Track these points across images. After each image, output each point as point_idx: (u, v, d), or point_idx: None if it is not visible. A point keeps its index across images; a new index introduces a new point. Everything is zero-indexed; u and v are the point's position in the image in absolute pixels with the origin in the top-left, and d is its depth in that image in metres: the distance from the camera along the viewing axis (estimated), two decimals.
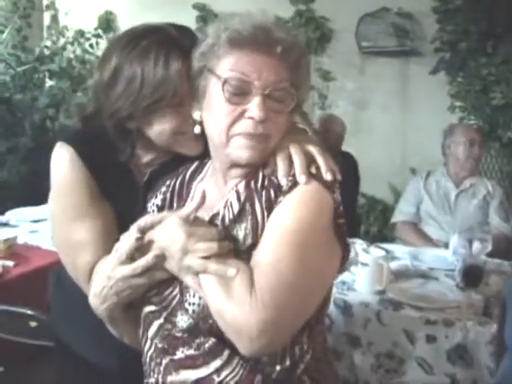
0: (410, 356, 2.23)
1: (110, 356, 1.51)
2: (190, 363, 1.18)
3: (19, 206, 3.73)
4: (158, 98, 1.33)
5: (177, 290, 1.21)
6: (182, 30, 1.40)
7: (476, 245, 2.56)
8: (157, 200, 1.38)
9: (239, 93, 1.17)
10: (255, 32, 1.16)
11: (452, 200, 3.61)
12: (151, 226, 1.19)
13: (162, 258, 1.17)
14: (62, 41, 6.01)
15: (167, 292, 1.22)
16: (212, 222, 1.22)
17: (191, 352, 1.18)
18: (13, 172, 5.09)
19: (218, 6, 5.47)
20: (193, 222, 1.16)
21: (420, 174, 3.91)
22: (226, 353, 1.15)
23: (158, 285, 1.23)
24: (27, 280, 2.65)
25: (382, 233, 5.08)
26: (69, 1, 6.16)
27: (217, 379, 1.16)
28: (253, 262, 1.12)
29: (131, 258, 1.20)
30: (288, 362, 1.17)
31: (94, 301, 1.30)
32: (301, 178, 1.16)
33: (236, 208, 1.20)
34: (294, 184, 1.16)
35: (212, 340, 1.16)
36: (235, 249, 1.16)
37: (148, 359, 1.27)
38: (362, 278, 2.46)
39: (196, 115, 1.27)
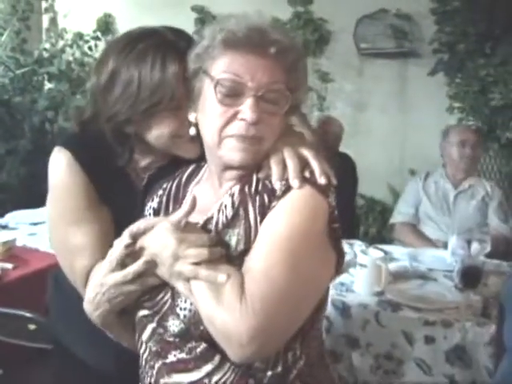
0: (408, 357, 2.23)
1: (108, 358, 1.51)
2: (181, 367, 1.18)
3: (18, 209, 3.73)
4: (155, 102, 1.33)
5: (168, 295, 1.20)
6: (179, 32, 1.40)
7: (475, 246, 2.56)
8: (153, 203, 1.38)
9: (232, 94, 1.16)
10: (250, 33, 1.15)
11: (450, 201, 3.61)
12: (143, 232, 1.19)
13: (152, 263, 1.16)
14: (60, 43, 6.02)
15: (159, 297, 1.22)
16: (206, 226, 1.21)
17: (183, 356, 1.18)
18: (12, 174, 5.09)
19: (216, 8, 5.47)
20: (184, 227, 1.16)
21: (419, 175, 3.91)
22: (218, 358, 1.14)
23: (150, 290, 1.22)
24: (26, 282, 2.65)
25: (381, 234, 5.08)
26: (68, 3, 6.16)
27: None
28: (244, 268, 1.11)
29: (122, 264, 1.20)
30: (280, 368, 1.17)
31: (87, 307, 1.30)
32: (294, 182, 1.14)
33: (230, 213, 1.19)
34: (288, 188, 1.15)
35: (203, 345, 1.15)
36: (228, 254, 1.15)
37: (143, 362, 1.28)
38: (360, 279, 2.46)
39: (191, 117, 1.27)
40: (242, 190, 1.20)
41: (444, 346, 2.18)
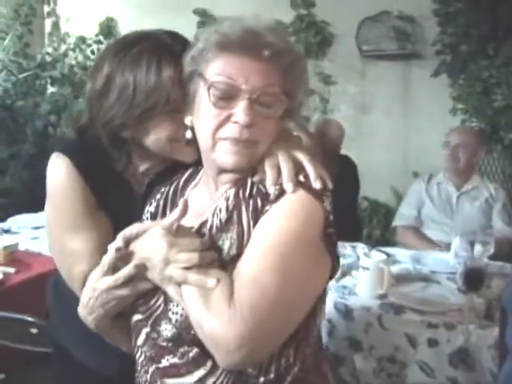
0: (411, 360, 2.22)
1: (108, 361, 1.50)
2: (174, 372, 1.18)
3: (21, 213, 3.74)
4: (151, 105, 1.33)
5: (161, 299, 1.20)
6: (174, 36, 1.40)
7: (478, 248, 2.54)
8: (151, 207, 1.38)
9: (226, 97, 1.15)
10: (244, 36, 1.14)
11: (453, 203, 3.60)
12: (136, 236, 1.18)
13: (143, 267, 1.16)
14: (63, 47, 6.03)
15: (152, 301, 1.22)
16: (200, 229, 1.21)
17: (175, 361, 1.17)
18: (15, 178, 5.10)
19: (218, 11, 5.46)
20: (177, 231, 1.15)
21: (422, 177, 3.90)
22: (210, 363, 1.13)
23: (144, 294, 1.22)
24: (28, 287, 2.65)
25: (385, 236, 5.06)
26: (70, 7, 6.17)
27: None
28: (235, 273, 1.10)
29: (114, 268, 1.20)
30: (273, 375, 1.15)
31: (82, 312, 1.30)
32: (287, 186, 1.13)
33: (224, 216, 1.18)
34: (281, 193, 1.14)
35: (195, 350, 1.14)
36: (220, 259, 1.14)
37: (139, 367, 1.28)
38: (363, 282, 2.46)
39: (187, 120, 1.27)
40: (236, 194, 1.20)
41: (447, 348, 2.17)
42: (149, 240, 1.16)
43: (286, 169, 1.16)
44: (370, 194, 5.31)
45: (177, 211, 1.16)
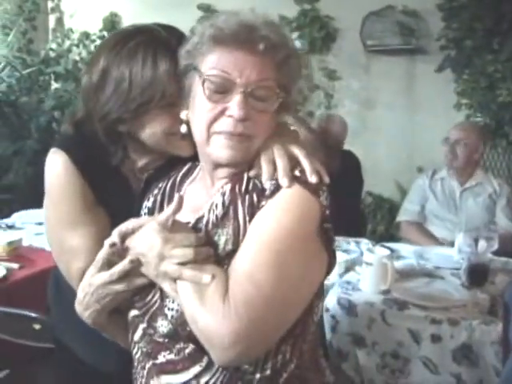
0: (415, 356, 2.22)
1: (108, 358, 1.50)
2: (170, 368, 1.18)
3: (25, 209, 3.74)
4: (146, 100, 1.33)
5: (157, 295, 1.20)
6: (171, 29, 1.40)
7: (482, 243, 2.54)
8: (148, 203, 1.38)
9: (220, 90, 1.15)
10: (238, 30, 1.14)
11: (457, 199, 3.59)
12: (132, 231, 1.18)
13: (137, 262, 1.16)
14: (67, 43, 6.04)
15: (149, 297, 1.22)
16: (197, 225, 1.20)
17: (172, 357, 1.17)
18: (19, 174, 5.11)
19: (222, 6, 5.41)
20: (172, 226, 1.15)
21: (426, 172, 3.89)
22: (206, 359, 1.13)
23: (141, 290, 1.22)
24: (32, 282, 2.65)
25: (389, 232, 5.05)
26: (74, 3, 6.17)
27: None
28: (230, 269, 1.09)
29: (109, 264, 1.20)
30: (269, 371, 1.14)
31: (78, 307, 1.30)
32: (283, 180, 1.13)
33: (220, 212, 1.18)
34: (277, 188, 1.13)
35: (191, 346, 1.14)
36: (216, 254, 1.14)
37: (136, 363, 1.28)
38: (366, 277, 2.45)
39: (183, 114, 1.26)
40: (233, 189, 1.19)
41: (451, 344, 2.17)
42: (144, 235, 1.15)
43: (281, 163, 1.16)
44: (375, 190, 5.31)
45: (171, 206, 1.16)
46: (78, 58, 5.92)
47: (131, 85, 1.33)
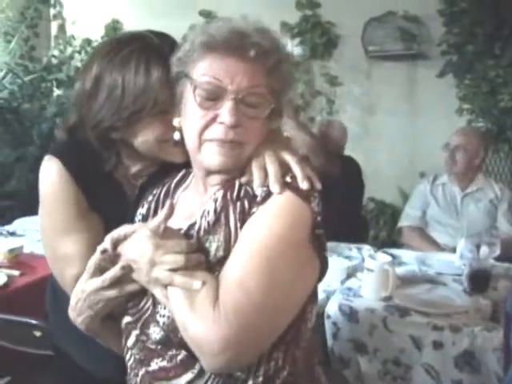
0: (416, 362, 2.20)
1: (107, 364, 1.50)
2: (163, 375, 1.17)
3: (27, 215, 3.74)
4: (139, 108, 1.34)
5: (150, 302, 1.20)
6: (164, 37, 1.41)
7: (483, 249, 2.53)
8: (143, 209, 1.38)
9: (212, 97, 1.16)
10: (229, 36, 1.14)
11: (458, 204, 3.59)
12: (124, 238, 1.18)
13: (129, 269, 1.16)
14: (69, 50, 6.05)
15: (142, 304, 1.22)
16: (189, 231, 1.20)
17: (164, 364, 1.17)
18: (21, 181, 5.11)
19: (223, 13, 5.41)
20: (164, 233, 1.15)
21: (427, 177, 3.88)
22: (198, 366, 1.12)
23: (134, 296, 1.22)
24: (33, 289, 2.65)
25: (392, 237, 5.04)
26: (76, 10, 6.18)
27: None
28: (221, 276, 1.09)
29: (101, 270, 1.20)
30: (261, 378, 1.14)
31: (71, 314, 1.30)
32: (274, 187, 1.13)
33: (211, 218, 1.18)
34: (268, 194, 1.13)
35: (184, 353, 1.14)
36: (208, 261, 1.14)
37: (129, 369, 1.27)
38: (367, 284, 2.44)
39: (175, 121, 1.26)
40: (225, 196, 1.19)
41: (453, 351, 2.15)
42: (135, 242, 1.15)
43: (272, 170, 1.16)
44: (377, 195, 5.30)
45: (162, 213, 1.16)
46: (79, 64, 5.91)
47: (124, 92, 1.34)
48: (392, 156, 5.28)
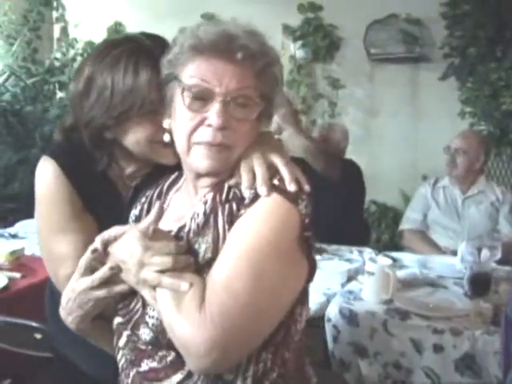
0: (417, 366, 2.20)
1: (105, 367, 1.50)
2: (152, 376, 1.18)
3: (30, 218, 3.74)
4: (127, 107, 1.36)
5: (140, 303, 1.21)
6: (155, 38, 1.43)
7: (484, 252, 2.53)
8: (136, 211, 1.40)
9: (200, 99, 1.16)
10: (217, 39, 1.15)
11: (459, 207, 3.58)
12: (115, 238, 1.19)
13: (117, 269, 1.17)
14: (71, 52, 6.06)
15: (132, 305, 1.23)
16: (179, 233, 1.21)
17: (154, 365, 1.17)
18: (24, 183, 5.10)
19: (226, 16, 5.42)
20: (153, 234, 1.16)
21: (428, 180, 3.88)
22: (187, 367, 1.13)
23: (124, 297, 1.23)
24: (34, 292, 2.64)
25: (394, 240, 5.03)
26: (78, 13, 6.19)
27: None
28: (208, 278, 1.10)
29: (92, 270, 1.21)
30: (250, 379, 1.14)
31: (62, 313, 1.30)
32: (261, 189, 1.13)
33: (201, 221, 1.18)
34: (256, 197, 1.13)
35: (173, 354, 1.14)
36: (196, 262, 1.15)
37: (120, 370, 1.28)
38: (368, 287, 2.43)
39: (165, 123, 1.27)
40: (214, 198, 1.20)
41: (453, 354, 2.15)
42: (125, 243, 1.16)
43: (260, 172, 1.16)
44: (379, 198, 5.30)
45: (152, 214, 1.17)
46: None
47: (113, 92, 1.36)
48: (394, 159, 5.28)
